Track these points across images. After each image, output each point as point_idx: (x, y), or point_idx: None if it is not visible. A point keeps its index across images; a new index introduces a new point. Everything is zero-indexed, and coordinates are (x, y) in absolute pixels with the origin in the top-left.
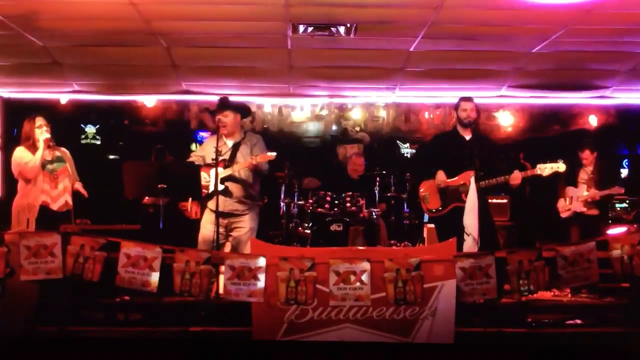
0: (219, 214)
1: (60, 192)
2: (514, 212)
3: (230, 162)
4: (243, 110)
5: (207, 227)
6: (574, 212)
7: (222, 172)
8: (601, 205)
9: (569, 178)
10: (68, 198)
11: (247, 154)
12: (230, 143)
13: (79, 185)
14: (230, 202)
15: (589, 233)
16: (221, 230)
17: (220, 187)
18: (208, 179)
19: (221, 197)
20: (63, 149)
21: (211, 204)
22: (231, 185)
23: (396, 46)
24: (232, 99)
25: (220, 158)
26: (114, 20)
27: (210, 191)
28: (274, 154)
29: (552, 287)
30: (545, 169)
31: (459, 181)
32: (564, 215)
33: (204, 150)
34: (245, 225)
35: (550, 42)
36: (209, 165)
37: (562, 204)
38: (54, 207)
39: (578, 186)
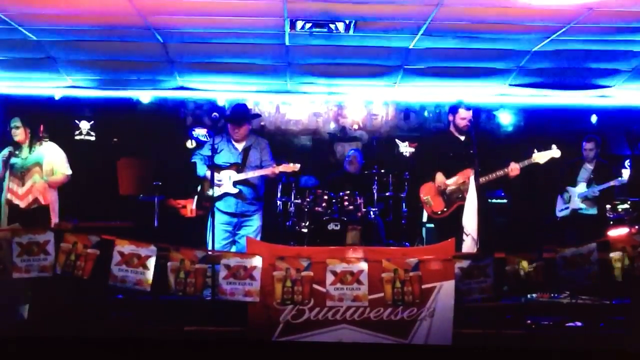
0: (231, 215)
1: (27, 190)
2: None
3: (242, 166)
4: (256, 117)
5: (219, 227)
6: (572, 210)
7: (236, 176)
8: (600, 203)
9: (569, 178)
10: (39, 196)
11: (257, 159)
12: (240, 147)
13: (55, 178)
14: (242, 204)
15: (588, 233)
16: (230, 229)
17: (234, 190)
18: (222, 181)
19: (233, 199)
20: (51, 144)
21: (221, 205)
22: (243, 189)
23: (395, 43)
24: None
25: (233, 162)
26: (109, 15)
27: (222, 193)
28: (298, 165)
29: (552, 289)
30: (542, 156)
31: (459, 179)
32: (560, 214)
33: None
34: (254, 224)
35: (552, 41)
36: (222, 168)
37: (559, 202)
38: (22, 205)
39: (577, 185)
